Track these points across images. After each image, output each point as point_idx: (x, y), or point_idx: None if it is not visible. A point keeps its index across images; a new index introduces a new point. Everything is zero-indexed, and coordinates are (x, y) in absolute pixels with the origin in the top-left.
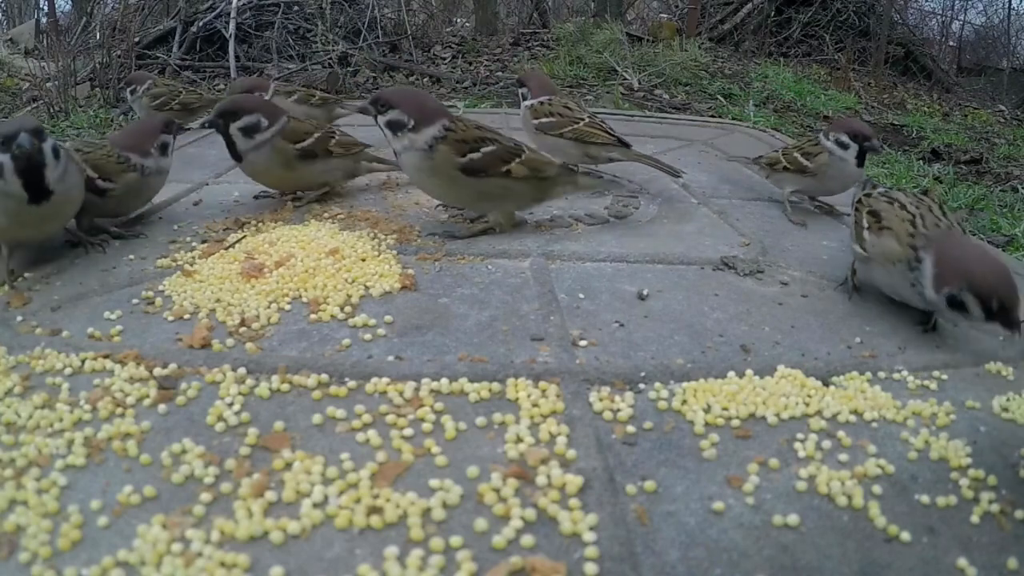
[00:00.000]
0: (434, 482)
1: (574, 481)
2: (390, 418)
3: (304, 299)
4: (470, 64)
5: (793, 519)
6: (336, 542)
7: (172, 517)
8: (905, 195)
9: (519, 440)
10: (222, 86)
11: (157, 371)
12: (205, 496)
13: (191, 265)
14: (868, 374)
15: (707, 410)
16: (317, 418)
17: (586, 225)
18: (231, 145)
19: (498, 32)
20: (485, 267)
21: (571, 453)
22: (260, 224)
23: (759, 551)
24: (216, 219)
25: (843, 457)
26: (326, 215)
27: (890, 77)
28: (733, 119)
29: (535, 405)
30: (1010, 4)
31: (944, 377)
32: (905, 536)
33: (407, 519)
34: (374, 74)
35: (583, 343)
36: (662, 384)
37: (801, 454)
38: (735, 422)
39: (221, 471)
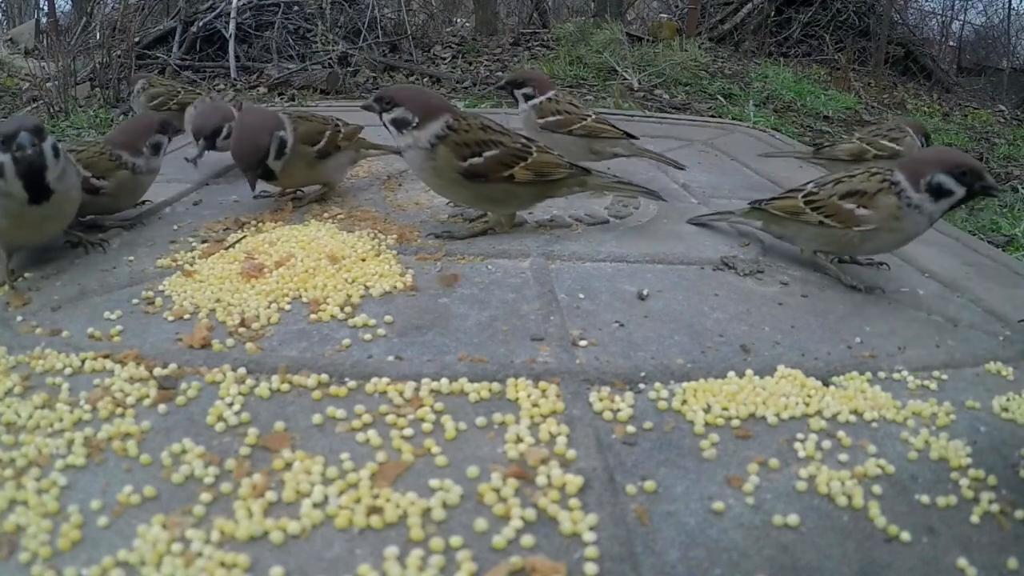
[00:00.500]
0: (434, 482)
1: (574, 481)
2: (390, 418)
3: (304, 299)
4: (470, 64)
5: (793, 519)
6: (336, 542)
7: (172, 517)
8: (834, 172)
9: (519, 440)
10: (222, 86)
11: (157, 371)
12: (205, 496)
13: (191, 265)
14: (868, 374)
15: (707, 410)
16: (317, 418)
17: (586, 225)
18: (267, 172)
19: (498, 32)
20: (485, 267)
21: (571, 453)
22: (260, 224)
23: (759, 551)
24: (216, 219)
25: (843, 457)
26: (326, 215)
27: (890, 77)
28: (733, 119)
29: (535, 405)
30: (1010, 4)
31: (944, 377)
32: (905, 536)
33: (407, 519)
34: (374, 74)
35: (583, 343)
36: (662, 384)
37: (801, 454)
38: (735, 422)
39: (221, 471)
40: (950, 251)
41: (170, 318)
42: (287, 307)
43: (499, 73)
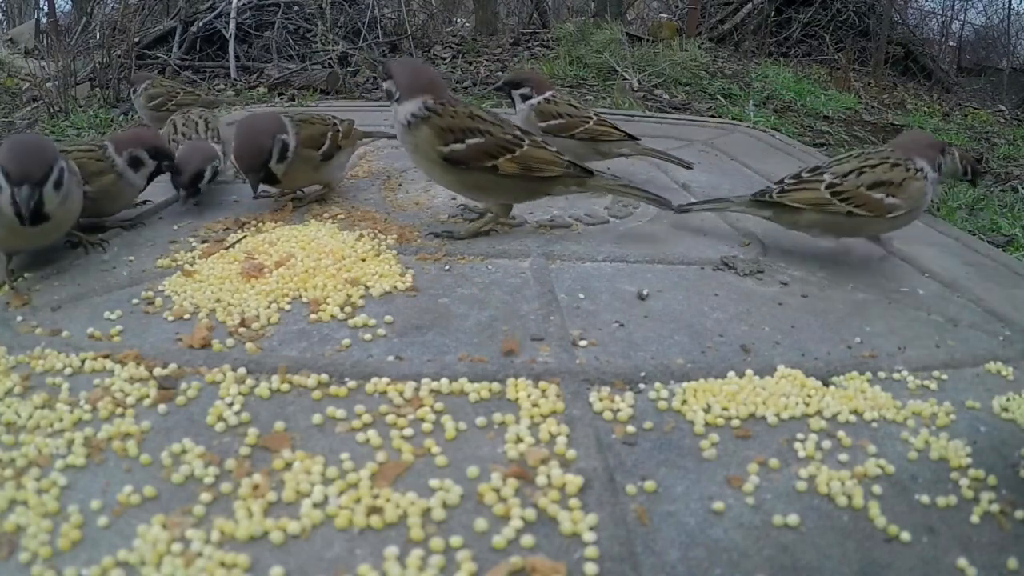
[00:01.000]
0: (434, 482)
1: (574, 481)
2: (390, 418)
3: (304, 299)
4: (470, 64)
5: (793, 519)
6: (336, 542)
7: (172, 517)
8: (840, 160)
9: (519, 440)
10: (222, 86)
11: (157, 371)
12: (205, 496)
13: (191, 265)
14: (868, 374)
15: (707, 410)
16: (317, 418)
17: (586, 225)
18: (269, 175)
19: (498, 32)
20: (485, 267)
21: (571, 453)
22: (260, 224)
23: (759, 551)
24: (216, 219)
25: (843, 457)
26: (326, 215)
27: (890, 77)
28: (733, 119)
29: (535, 405)
30: (1010, 4)
31: (944, 377)
32: (905, 536)
33: (407, 519)
34: (374, 74)
35: (583, 343)
36: (662, 384)
37: (801, 454)
38: (735, 422)
39: (221, 471)
40: (950, 251)
41: (170, 318)
42: (287, 307)
43: (499, 73)
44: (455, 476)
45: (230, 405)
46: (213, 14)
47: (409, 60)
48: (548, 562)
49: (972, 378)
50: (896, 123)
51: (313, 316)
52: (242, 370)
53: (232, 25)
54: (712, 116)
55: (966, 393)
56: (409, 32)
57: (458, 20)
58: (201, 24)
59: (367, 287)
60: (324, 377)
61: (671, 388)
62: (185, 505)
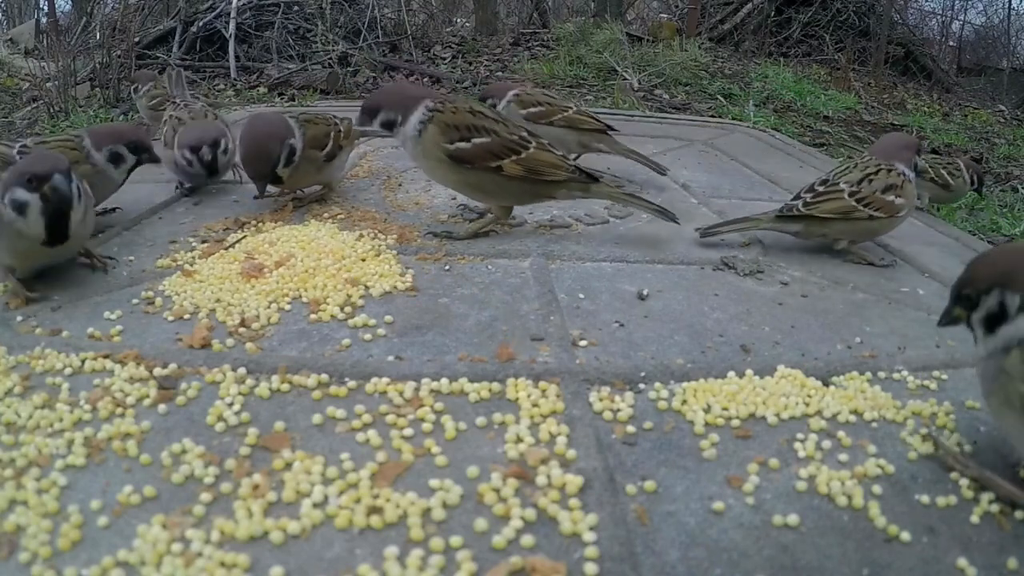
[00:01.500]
0: (434, 482)
1: (574, 481)
2: (390, 418)
3: (304, 299)
4: (470, 64)
5: (793, 519)
6: (336, 542)
7: (172, 517)
8: (846, 169)
9: (519, 440)
10: (222, 86)
11: (157, 371)
12: (205, 496)
13: (191, 265)
14: (868, 374)
15: (707, 410)
16: (317, 418)
17: (586, 225)
18: (275, 179)
19: (498, 32)
20: (485, 267)
21: (571, 453)
22: (260, 224)
23: (759, 551)
24: (216, 219)
25: (843, 457)
26: (326, 215)
27: (890, 77)
28: (733, 119)
29: (535, 405)
30: (1010, 4)
31: (944, 377)
32: (905, 536)
33: (407, 519)
34: (374, 74)
35: (583, 343)
36: (662, 384)
37: (801, 454)
38: (735, 422)
39: (221, 471)
40: (950, 251)
41: (170, 318)
42: (287, 307)
43: (499, 73)
44: (455, 476)
45: (230, 405)
46: (213, 14)
47: (388, 85)
48: (548, 562)
49: (972, 378)
50: (896, 123)
51: (313, 316)
52: (242, 370)
53: (232, 25)
54: (712, 116)
55: (966, 393)
56: (409, 32)
57: (458, 20)
58: (201, 24)
59: (367, 287)
60: (324, 377)
61: (671, 388)
62: (185, 505)
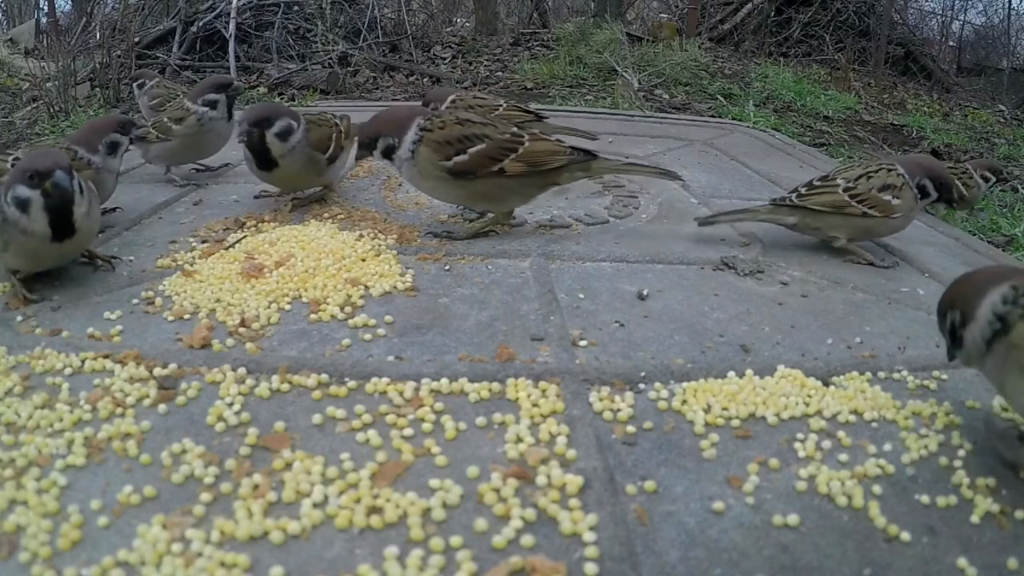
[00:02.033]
0: (434, 482)
1: (574, 481)
2: (390, 418)
3: (304, 299)
4: (470, 64)
5: (793, 519)
6: (336, 542)
7: (172, 517)
8: (845, 167)
9: (519, 440)
10: None
11: (157, 371)
12: (205, 496)
13: (191, 265)
14: (868, 374)
15: (707, 410)
16: (317, 418)
17: (586, 225)
18: (264, 153)
19: (498, 32)
20: (485, 267)
21: (571, 453)
22: (260, 224)
23: (759, 551)
24: (216, 219)
25: (843, 457)
26: (326, 215)
27: (890, 77)
28: (733, 119)
29: (535, 405)
30: (1010, 4)
31: (944, 377)
32: (905, 536)
33: (407, 519)
34: (374, 74)
35: (583, 343)
36: (662, 384)
37: (801, 454)
38: (735, 422)
39: (221, 471)
40: (950, 251)
41: (170, 318)
42: (287, 307)
43: (499, 73)
44: (455, 476)
45: (230, 405)
46: (213, 14)
47: (376, 115)
48: (548, 562)
49: (972, 378)
50: (896, 123)
51: (313, 316)
52: (242, 370)
53: (232, 25)
54: (712, 116)
55: (966, 393)
56: (409, 32)
57: (458, 20)
58: (201, 24)
59: (367, 287)
60: (324, 377)
61: (671, 388)
62: (185, 505)
